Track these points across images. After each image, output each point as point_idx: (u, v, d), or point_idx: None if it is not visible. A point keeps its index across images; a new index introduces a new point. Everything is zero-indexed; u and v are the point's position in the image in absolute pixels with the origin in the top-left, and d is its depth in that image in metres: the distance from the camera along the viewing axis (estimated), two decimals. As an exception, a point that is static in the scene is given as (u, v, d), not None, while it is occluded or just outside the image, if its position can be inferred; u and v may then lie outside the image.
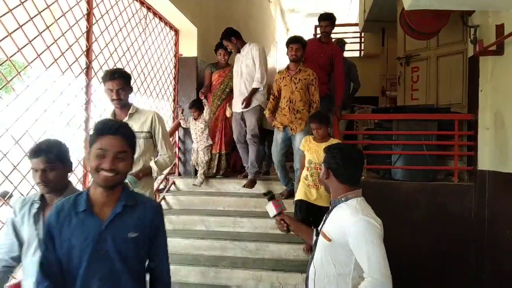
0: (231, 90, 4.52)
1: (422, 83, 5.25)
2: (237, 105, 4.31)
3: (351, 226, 1.61)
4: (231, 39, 4.31)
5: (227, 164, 4.61)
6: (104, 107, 3.46)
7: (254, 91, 4.17)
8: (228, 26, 4.46)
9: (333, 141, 3.13)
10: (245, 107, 4.16)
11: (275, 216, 2.00)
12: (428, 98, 5.13)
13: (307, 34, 9.54)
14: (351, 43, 10.72)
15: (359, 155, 1.79)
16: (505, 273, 3.29)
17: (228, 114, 4.55)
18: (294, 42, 3.65)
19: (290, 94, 3.65)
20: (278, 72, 3.85)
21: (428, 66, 5.19)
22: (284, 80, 3.71)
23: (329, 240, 1.71)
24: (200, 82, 4.79)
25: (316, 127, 3.12)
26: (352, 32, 10.27)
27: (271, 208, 2.00)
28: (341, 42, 5.30)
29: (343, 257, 1.66)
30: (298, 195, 3.18)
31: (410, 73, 5.42)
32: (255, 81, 4.16)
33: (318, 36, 4.70)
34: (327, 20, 4.25)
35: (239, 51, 4.36)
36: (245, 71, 4.24)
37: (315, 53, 4.16)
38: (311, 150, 3.17)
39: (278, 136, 3.79)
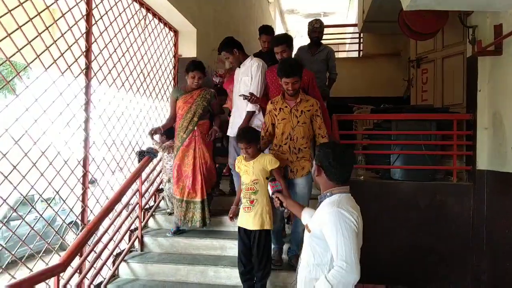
0: (201, 118, 3.60)
1: (430, 85, 5.30)
2: (233, 128, 3.61)
3: (325, 217, 1.72)
4: (233, 51, 3.56)
5: (209, 210, 3.63)
6: (103, 108, 3.48)
7: (249, 115, 3.48)
8: (227, 27, 4.05)
9: (263, 156, 2.87)
10: None
11: (272, 194, 2.30)
12: (435, 99, 5.17)
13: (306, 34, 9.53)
14: (351, 43, 10.77)
15: (350, 156, 1.87)
16: (504, 272, 3.30)
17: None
18: (290, 74, 2.83)
19: (290, 129, 2.97)
20: (271, 102, 3.09)
21: (435, 67, 5.23)
22: (281, 113, 2.99)
23: (309, 231, 1.84)
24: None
25: (245, 147, 2.81)
26: (351, 33, 10.31)
27: (268, 188, 2.36)
28: (321, 25, 4.69)
29: (320, 248, 1.77)
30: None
31: (421, 75, 5.49)
32: (250, 104, 3.45)
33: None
34: (283, 43, 3.30)
35: (239, 66, 3.67)
36: (242, 91, 3.51)
37: (280, 87, 3.06)
38: (241, 171, 2.92)
39: None
